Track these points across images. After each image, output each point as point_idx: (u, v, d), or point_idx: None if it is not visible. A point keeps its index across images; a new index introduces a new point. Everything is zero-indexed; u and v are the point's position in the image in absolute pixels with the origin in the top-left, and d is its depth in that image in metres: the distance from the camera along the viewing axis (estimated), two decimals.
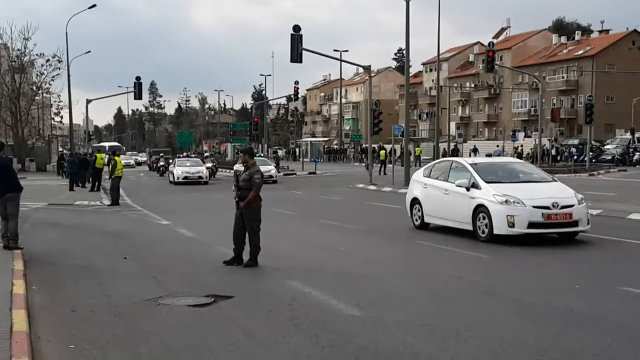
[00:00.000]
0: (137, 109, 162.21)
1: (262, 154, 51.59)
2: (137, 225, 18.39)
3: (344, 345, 6.62)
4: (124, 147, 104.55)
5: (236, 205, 11.27)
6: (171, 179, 38.85)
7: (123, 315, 8.00)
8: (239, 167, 32.11)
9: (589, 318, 7.53)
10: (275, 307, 8.20)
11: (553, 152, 55.29)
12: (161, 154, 57.12)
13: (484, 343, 6.63)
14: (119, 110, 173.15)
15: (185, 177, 37.53)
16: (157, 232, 16.73)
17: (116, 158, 25.75)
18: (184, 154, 59.10)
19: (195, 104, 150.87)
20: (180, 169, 38.49)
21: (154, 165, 56.80)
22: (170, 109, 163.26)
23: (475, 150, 65.85)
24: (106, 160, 31.01)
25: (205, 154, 51.21)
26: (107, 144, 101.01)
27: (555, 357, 6.18)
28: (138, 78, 45.45)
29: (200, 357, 6.38)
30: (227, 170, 46.70)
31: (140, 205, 24.12)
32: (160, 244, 14.33)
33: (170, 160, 48.49)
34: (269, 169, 36.00)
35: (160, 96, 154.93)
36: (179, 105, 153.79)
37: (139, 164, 78.66)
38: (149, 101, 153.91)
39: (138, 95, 46.60)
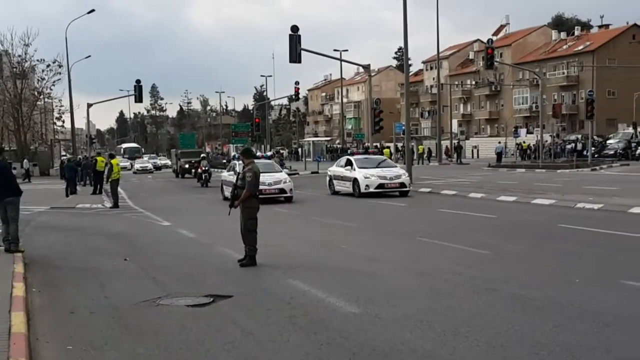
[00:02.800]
0: (139, 112, 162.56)
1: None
2: (138, 226, 18.41)
3: (342, 342, 6.62)
4: (143, 149, 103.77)
5: (230, 204, 11.34)
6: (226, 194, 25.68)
7: (122, 316, 8.02)
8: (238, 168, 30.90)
9: (588, 312, 7.51)
10: (274, 305, 8.20)
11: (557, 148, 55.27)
12: (202, 156, 43.45)
13: (481, 338, 6.62)
14: (121, 113, 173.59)
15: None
16: (158, 233, 16.74)
17: (113, 161, 25.77)
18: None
19: (196, 106, 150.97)
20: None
21: (188, 170, 47.87)
22: (172, 112, 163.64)
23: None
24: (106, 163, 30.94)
25: (202, 155, 44.53)
26: (125, 146, 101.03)
27: (552, 351, 6.17)
28: (138, 81, 45.58)
29: (198, 356, 6.38)
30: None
31: (141, 207, 24.15)
32: (160, 245, 14.34)
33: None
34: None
35: (162, 99, 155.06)
36: (181, 108, 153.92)
37: (158, 168, 72.15)
38: (151, 104, 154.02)
39: (139, 99, 46.76)
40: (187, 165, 48.86)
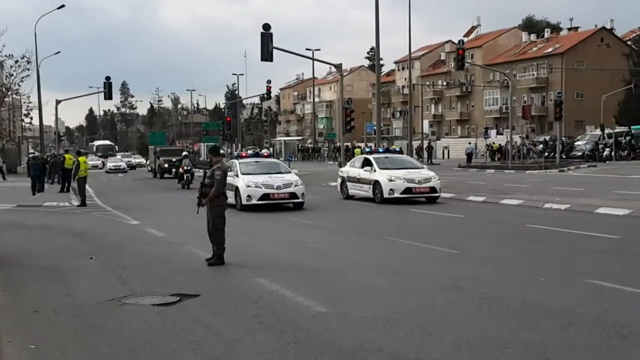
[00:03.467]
0: (109, 110, 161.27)
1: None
2: (106, 225, 18.21)
3: (309, 341, 6.60)
4: (117, 147, 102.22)
5: (198, 202, 11.27)
6: (240, 200, 20.54)
7: (86, 315, 7.91)
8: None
9: (553, 310, 7.57)
10: (241, 305, 8.16)
11: (524, 149, 55.83)
12: (184, 154, 37.89)
13: (448, 337, 6.64)
14: (91, 111, 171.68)
15: (266, 197, 20.32)
16: (125, 232, 16.58)
17: (80, 159, 25.42)
18: (247, 149, 49.01)
19: (167, 104, 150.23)
20: (254, 179, 20.75)
21: (168, 170, 44.25)
22: (142, 109, 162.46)
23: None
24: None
25: (184, 153, 39.34)
26: (97, 143, 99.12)
27: (517, 349, 6.21)
28: (108, 78, 45.14)
29: (162, 355, 6.32)
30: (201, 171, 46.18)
31: (110, 206, 23.90)
32: (128, 244, 14.19)
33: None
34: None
35: (132, 96, 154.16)
36: (152, 106, 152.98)
37: (132, 167, 68.60)
38: (121, 101, 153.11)
39: (108, 96, 46.30)
40: (166, 165, 45.28)
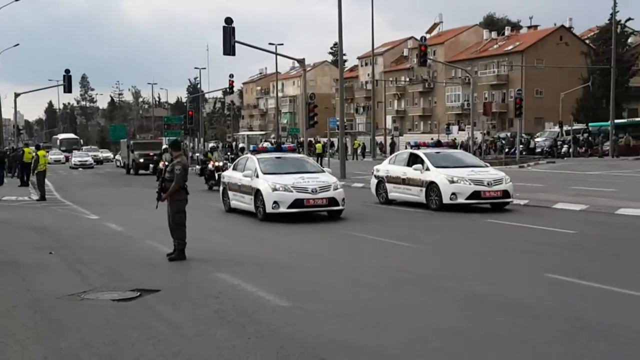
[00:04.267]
0: (69, 103, 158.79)
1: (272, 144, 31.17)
2: (65, 220, 18.00)
3: (270, 335, 6.62)
4: (82, 140, 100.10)
5: (157, 197, 11.21)
6: (263, 207, 16.39)
7: (44, 310, 7.83)
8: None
9: (510, 303, 7.72)
10: (202, 299, 8.14)
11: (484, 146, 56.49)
12: (165, 148, 31.18)
13: (401, 329, 6.75)
14: (50, 104, 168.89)
15: (298, 204, 16.11)
16: (85, 226, 16.41)
17: (39, 152, 25.07)
18: (263, 142, 46.82)
19: (128, 97, 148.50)
20: (281, 180, 16.33)
21: (144, 165, 40.97)
22: (102, 103, 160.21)
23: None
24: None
25: (164, 147, 33.04)
26: (61, 137, 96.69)
27: (469, 341, 6.32)
28: (67, 71, 44.42)
29: (122, 351, 6.28)
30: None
31: (69, 200, 23.61)
32: (87, 238, 14.06)
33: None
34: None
35: (92, 90, 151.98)
36: (112, 99, 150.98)
37: (99, 162, 64.93)
38: (81, 95, 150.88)
39: (68, 89, 45.60)
40: (142, 160, 41.27)
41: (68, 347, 6.39)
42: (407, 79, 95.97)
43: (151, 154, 40.39)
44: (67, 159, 64.26)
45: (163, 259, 10.99)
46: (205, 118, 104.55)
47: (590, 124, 58.67)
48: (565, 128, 58.37)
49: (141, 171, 41.22)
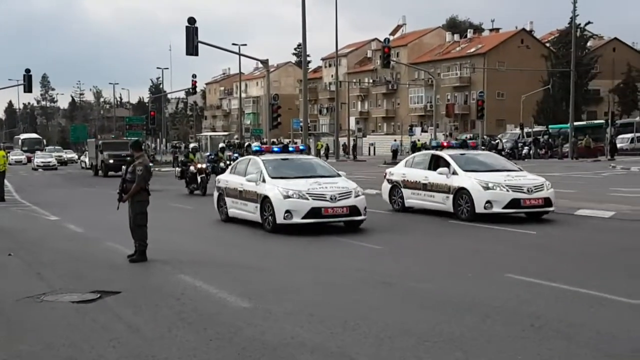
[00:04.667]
0: (29, 103, 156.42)
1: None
2: (24, 221, 17.71)
3: (232, 337, 6.58)
4: (45, 141, 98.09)
5: (118, 198, 11.09)
6: (272, 217, 14.12)
7: (3, 313, 7.71)
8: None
9: (476, 304, 7.76)
10: (163, 301, 8.07)
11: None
12: (222, 146, 32.61)
13: (370, 331, 6.74)
14: (10, 104, 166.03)
15: (315, 214, 13.85)
16: (44, 228, 16.17)
17: None
18: (261, 141, 44.56)
19: (89, 97, 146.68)
20: (293, 186, 14.07)
21: (114, 166, 37.77)
22: (63, 103, 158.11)
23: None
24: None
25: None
26: (23, 136, 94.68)
27: (436, 342, 6.35)
28: (27, 70, 43.72)
29: (82, 353, 6.19)
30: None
31: (29, 201, 23.23)
32: (47, 240, 13.85)
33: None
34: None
35: (53, 89, 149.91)
36: (73, 99, 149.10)
37: (63, 162, 62.38)
38: (41, 95, 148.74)
39: (28, 88, 44.86)
40: (112, 161, 38.59)
41: (27, 350, 6.30)
42: (371, 81, 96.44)
43: (122, 154, 36.70)
44: (29, 160, 61.81)
45: (124, 260, 10.87)
46: (167, 118, 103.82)
47: (550, 126, 59.65)
48: (526, 130, 59.21)
49: (111, 173, 38.46)
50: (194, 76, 55.65)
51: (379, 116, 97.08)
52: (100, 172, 41.25)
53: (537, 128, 61.86)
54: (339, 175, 15.13)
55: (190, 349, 6.25)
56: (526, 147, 53.76)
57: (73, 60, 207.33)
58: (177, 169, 26.69)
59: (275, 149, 16.68)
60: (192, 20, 29.58)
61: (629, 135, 52.29)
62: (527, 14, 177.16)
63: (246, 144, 28.07)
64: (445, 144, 18.99)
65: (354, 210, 13.96)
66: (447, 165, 16.32)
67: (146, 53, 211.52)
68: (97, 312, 7.66)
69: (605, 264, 10.52)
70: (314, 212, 13.66)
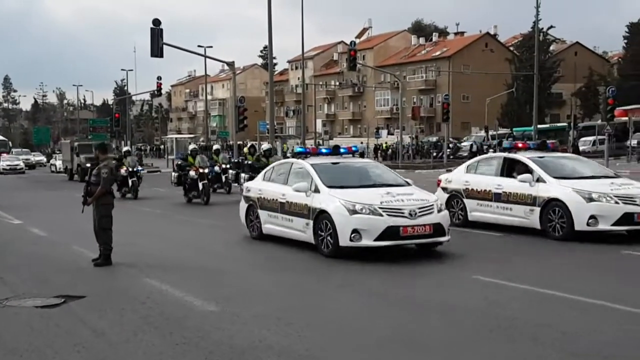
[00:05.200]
0: None
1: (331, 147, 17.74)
2: None
3: (199, 341, 6.54)
4: (10, 143, 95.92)
5: (83, 201, 10.95)
6: (334, 237, 11.04)
7: None
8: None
9: (442, 306, 7.83)
10: (129, 305, 7.98)
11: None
12: (126, 150, 28.64)
13: (338, 333, 6.76)
14: None
15: (392, 234, 10.80)
16: (7, 232, 15.88)
17: None
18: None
19: (53, 99, 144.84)
20: (359, 197, 11.14)
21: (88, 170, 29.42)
22: (26, 105, 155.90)
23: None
24: None
25: (125, 149, 29.24)
26: None
27: (405, 344, 6.39)
28: None
29: (45, 358, 6.10)
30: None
31: None
32: (9, 244, 13.59)
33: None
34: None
35: (15, 91, 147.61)
36: (35, 101, 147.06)
37: (31, 166, 58.11)
38: (3, 96, 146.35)
39: None
40: (89, 164, 34.85)
41: None
42: (337, 83, 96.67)
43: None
44: None
45: (88, 264, 10.73)
46: (132, 121, 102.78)
47: (514, 129, 60.35)
48: (490, 132, 59.85)
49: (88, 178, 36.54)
50: (159, 78, 55.16)
51: (345, 119, 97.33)
52: (76, 176, 38.62)
53: (502, 131, 62.54)
54: (409, 184, 12.15)
55: (157, 353, 6.20)
56: (491, 150, 54.32)
57: (35, 61, 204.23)
58: (173, 173, 24.02)
59: (324, 150, 13.98)
60: (157, 22, 29.33)
61: (591, 138, 53.10)
62: (492, 18, 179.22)
63: (214, 147, 25.27)
64: (520, 144, 15.48)
65: (438, 229, 11.06)
66: (529, 170, 13.52)
67: (111, 54, 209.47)
68: (62, 317, 7.56)
69: (571, 265, 10.66)
70: (390, 232, 10.70)
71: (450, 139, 54.73)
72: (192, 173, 21.87)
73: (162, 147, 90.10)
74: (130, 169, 24.62)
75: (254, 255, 12.06)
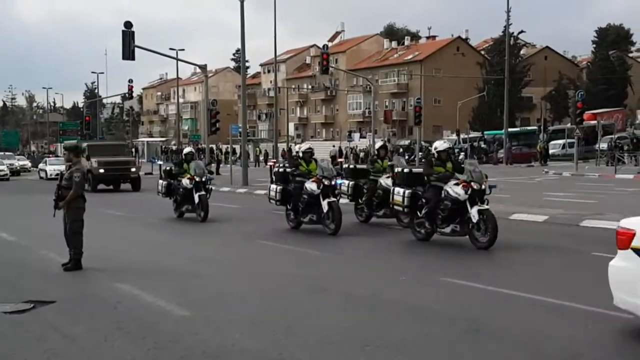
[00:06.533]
0: None
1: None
2: None
3: (171, 346, 6.47)
4: None
5: (54, 205, 10.80)
6: None
7: None
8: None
9: (413, 308, 7.85)
10: (100, 310, 7.89)
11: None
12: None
13: (312, 336, 6.74)
14: None
15: None
16: None
17: None
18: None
19: (22, 102, 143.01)
20: None
21: (110, 179, 30.49)
22: None
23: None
24: None
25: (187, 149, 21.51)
26: None
27: (378, 346, 6.38)
28: None
29: None
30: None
31: None
32: None
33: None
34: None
35: None
36: (4, 104, 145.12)
37: (16, 172, 47.58)
38: None
39: None
40: (102, 170, 29.57)
41: None
42: (310, 87, 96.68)
43: (120, 160, 29.85)
44: None
45: (58, 269, 10.58)
46: (103, 124, 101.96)
47: (485, 132, 60.84)
48: (462, 136, 60.23)
49: (101, 186, 30.26)
50: (131, 81, 54.85)
51: (318, 122, 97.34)
52: (86, 185, 32.86)
53: (473, 134, 63.04)
54: None
55: (129, 358, 6.13)
56: (462, 153, 54.69)
57: (4, 63, 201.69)
58: (161, 182, 19.95)
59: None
60: (128, 24, 29.10)
61: (561, 141, 53.71)
62: (463, 22, 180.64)
63: (186, 150, 19.95)
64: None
65: None
66: None
67: (81, 57, 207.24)
68: (31, 323, 7.44)
69: (538, 267, 10.75)
70: None
71: (422, 142, 54.91)
72: (184, 182, 18.16)
73: (133, 150, 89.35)
74: (197, 179, 17.87)
75: (223, 258, 11.97)
